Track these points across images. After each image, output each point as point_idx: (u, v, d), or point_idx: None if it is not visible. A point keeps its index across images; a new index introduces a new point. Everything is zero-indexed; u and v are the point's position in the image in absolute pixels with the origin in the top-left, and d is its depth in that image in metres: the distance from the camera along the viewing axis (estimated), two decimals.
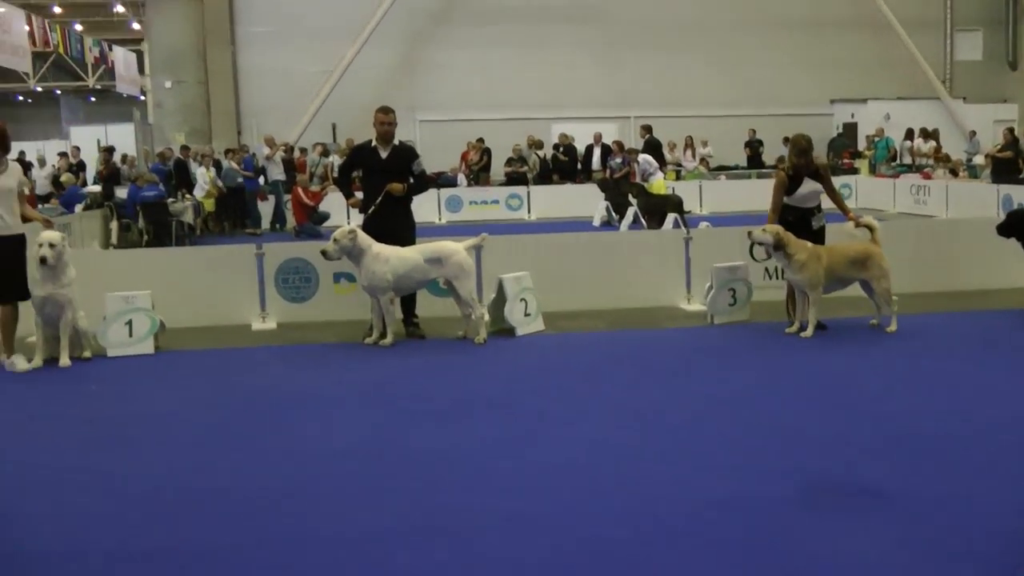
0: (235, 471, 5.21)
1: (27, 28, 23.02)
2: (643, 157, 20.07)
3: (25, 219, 8.06)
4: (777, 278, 10.27)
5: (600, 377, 7.16)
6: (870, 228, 8.57)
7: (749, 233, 8.62)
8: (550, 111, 25.77)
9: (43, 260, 7.73)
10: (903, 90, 27.36)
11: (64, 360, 7.92)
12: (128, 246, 16.48)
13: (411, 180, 8.81)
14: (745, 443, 5.42)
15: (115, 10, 40.36)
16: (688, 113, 26.11)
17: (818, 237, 8.60)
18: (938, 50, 28.27)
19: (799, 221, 8.53)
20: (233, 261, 9.63)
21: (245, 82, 26.05)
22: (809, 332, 8.23)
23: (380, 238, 8.36)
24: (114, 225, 17.63)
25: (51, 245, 7.82)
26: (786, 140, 15.45)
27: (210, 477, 5.11)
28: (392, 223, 8.61)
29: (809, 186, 8.52)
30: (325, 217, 18.83)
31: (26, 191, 8.20)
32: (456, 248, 8.42)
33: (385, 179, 8.66)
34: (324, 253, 8.32)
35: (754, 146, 25.38)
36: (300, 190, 18.85)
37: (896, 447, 5.27)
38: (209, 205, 19.32)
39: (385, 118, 8.79)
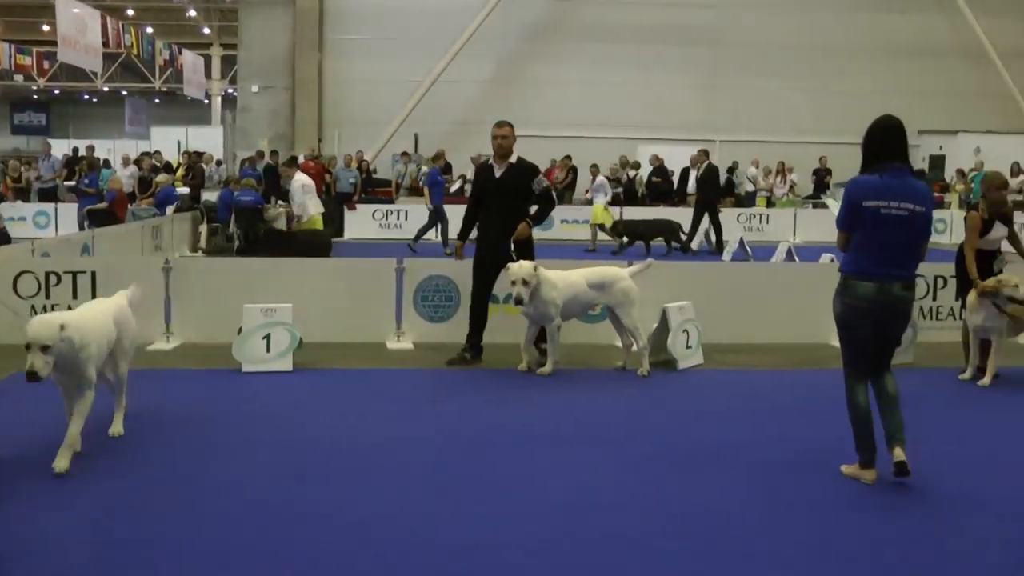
0: (479, 520, 4.70)
1: (100, 29, 23.10)
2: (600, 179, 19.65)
3: None
4: (934, 319, 9.77)
5: (792, 420, 6.59)
6: None
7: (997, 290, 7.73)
8: (639, 131, 25.21)
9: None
10: (995, 123, 26.46)
11: None
12: (217, 251, 16.14)
13: (532, 208, 8.24)
14: None
15: (188, 15, 40.62)
16: (765, 139, 25.41)
17: None
18: None
19: (982, 266, 7.99)
20: (371, 275, 9.14)
21: (329, 90, 25.73)
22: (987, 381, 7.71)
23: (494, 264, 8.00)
24: (203, 228, 17.21)
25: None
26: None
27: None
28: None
29: (1000, 231, 8.02)
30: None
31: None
32: (622, 274, 7.91)
33: (501, 200, 8.10)
34: (519, 301, 7.53)
35: (821, 175, 24.73)
36: None
37: None
38: None
39: (498, 131, 8.23)
